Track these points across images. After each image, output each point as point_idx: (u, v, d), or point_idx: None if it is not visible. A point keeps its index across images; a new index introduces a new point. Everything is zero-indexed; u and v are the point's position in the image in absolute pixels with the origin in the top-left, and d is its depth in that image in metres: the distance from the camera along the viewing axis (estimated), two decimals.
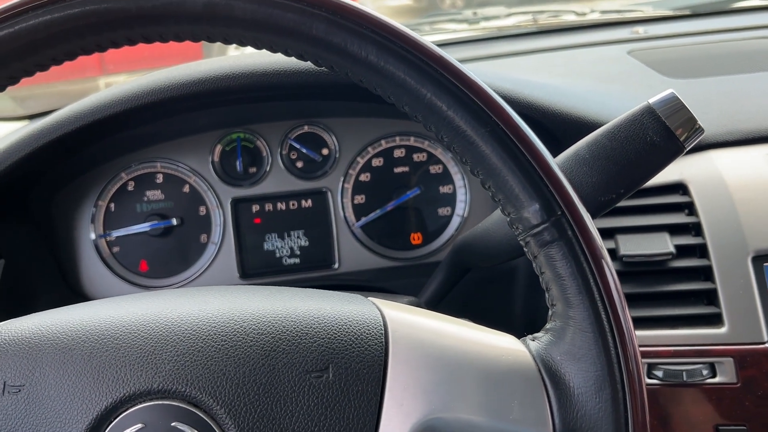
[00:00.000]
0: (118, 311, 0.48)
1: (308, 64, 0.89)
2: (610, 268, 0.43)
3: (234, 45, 0.46)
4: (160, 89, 0.88)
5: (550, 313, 0.46)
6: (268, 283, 1.12)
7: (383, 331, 0.46)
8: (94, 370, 0.44)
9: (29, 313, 0.50)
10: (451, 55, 0.44)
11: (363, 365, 0.44)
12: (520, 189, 0.43)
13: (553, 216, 0.43)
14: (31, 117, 1.42)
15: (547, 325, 0.46)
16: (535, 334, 0.47)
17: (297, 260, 1.12)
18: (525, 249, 0.45)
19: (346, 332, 0.45)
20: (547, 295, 0.45)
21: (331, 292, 0.51)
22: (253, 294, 0.50)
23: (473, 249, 0.78)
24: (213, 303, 0.48)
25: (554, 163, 0.44)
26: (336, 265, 1.12)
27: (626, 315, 0.43)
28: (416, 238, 1.13)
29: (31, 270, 1.02)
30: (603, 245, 0.44)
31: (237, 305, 0.48)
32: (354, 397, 0.43)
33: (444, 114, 0.43)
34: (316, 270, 1.12)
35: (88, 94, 1.34)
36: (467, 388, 0.44)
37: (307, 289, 0.52)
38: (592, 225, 0.44)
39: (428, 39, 0.45)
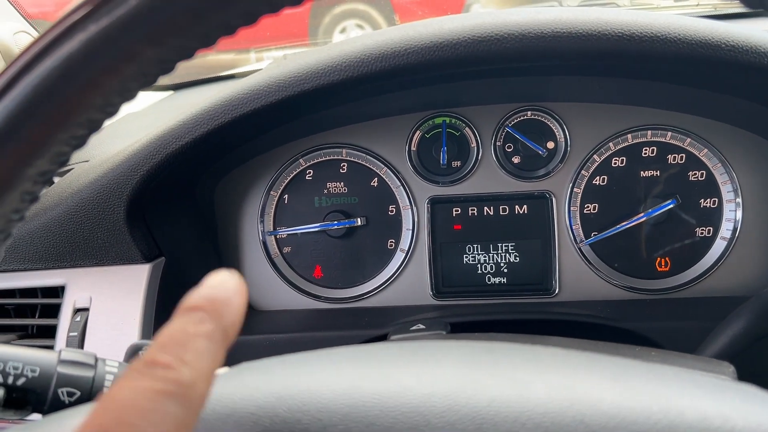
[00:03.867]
0: None
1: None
2: None
3: None
4: (392, 54, 0.67)
5: None
6: (465, 306, 0.90)
7: None
8: None
9: None
10: None
11: None
12: None
13: None
14: (176, 87, 1.28)
15: None
16: None
17: (503, 279, 0.89)
18: None
19: None
20: None
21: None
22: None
23: None
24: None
25: None
26: (555, 291, 0.88)
27: None
28: (663, 263, 0.87)
29: (192, 271, 0.85)
30: None
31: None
32: None
33: None
34: (527, 295, 0.89)
35: (238, 66, 1.17)
36: None
37: None
38: None
39: None
